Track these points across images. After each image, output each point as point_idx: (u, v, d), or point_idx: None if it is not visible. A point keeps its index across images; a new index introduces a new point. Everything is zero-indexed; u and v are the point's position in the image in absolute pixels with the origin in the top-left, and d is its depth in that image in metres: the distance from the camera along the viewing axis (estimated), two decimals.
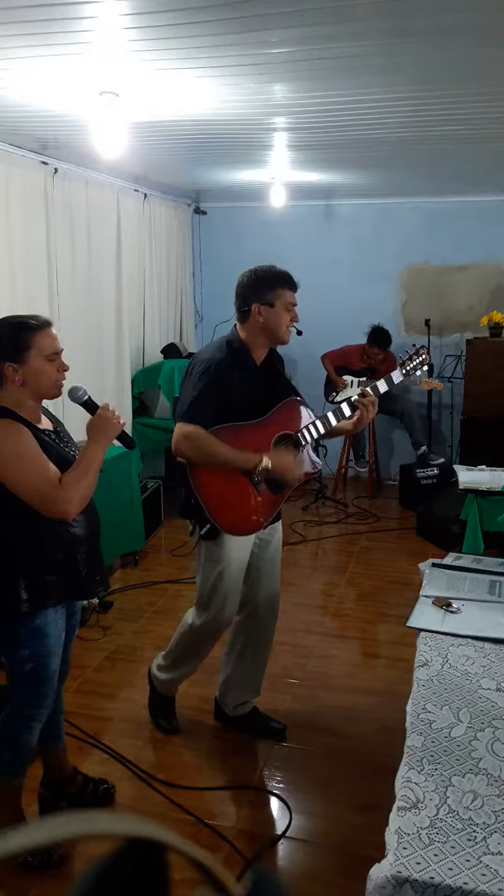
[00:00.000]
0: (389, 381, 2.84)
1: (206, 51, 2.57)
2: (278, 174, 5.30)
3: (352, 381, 6.44)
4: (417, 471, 6.15)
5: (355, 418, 2.76)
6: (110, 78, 2.89)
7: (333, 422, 2.76)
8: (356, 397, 2.75)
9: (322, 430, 2.77)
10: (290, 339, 2.76)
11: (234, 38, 2.47)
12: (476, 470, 4.51)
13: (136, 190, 5.83)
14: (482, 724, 1.85)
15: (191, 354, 6.12)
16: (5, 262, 4.18)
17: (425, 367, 2.90)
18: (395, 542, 5.54)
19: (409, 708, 1.95)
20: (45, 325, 2.21)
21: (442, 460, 6.23)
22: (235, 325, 2.75)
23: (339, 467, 6.70)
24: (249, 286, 2.69)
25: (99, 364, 5.29)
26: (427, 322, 6.46)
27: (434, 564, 2.88)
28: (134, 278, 5.83)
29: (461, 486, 4.25)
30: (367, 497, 6.52)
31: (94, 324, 5.22)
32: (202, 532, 2.73)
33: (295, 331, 2.79)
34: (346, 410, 2.76)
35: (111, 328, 5.42)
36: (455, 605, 2.48)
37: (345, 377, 6.47)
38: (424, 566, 2.88)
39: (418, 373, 2.91)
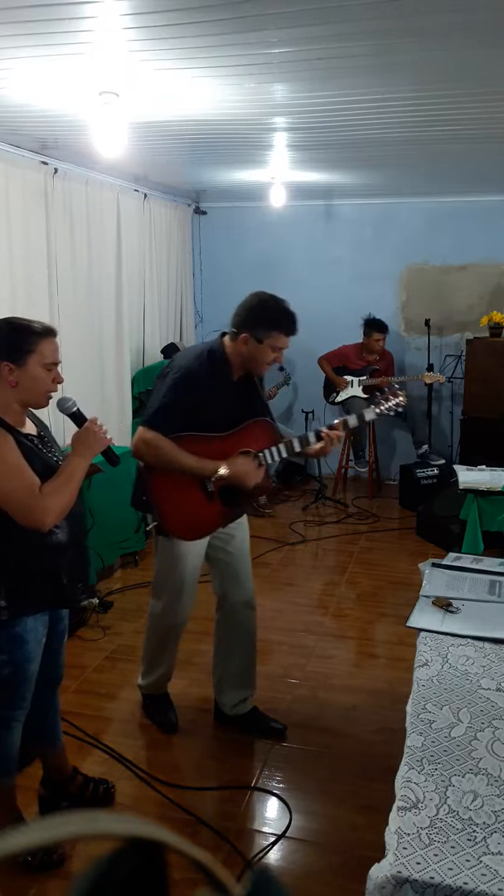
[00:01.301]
0: (361, 419, 2.87)
1: (206, 51, 2.57)
2: (278, 174, 5.30)
3: (352, 381, 6.44)
4: (417, 471, 6.16)
5: (318, 447, 2.79)
6: (110, 78, 2.89)
7: (297, 447, 2.79)
8: (325, 429, 2.78)
9: (284, 454, 2.80)
10: (265, 373, 2.81)
11: (234, 38, 2.46)
12: (476, 470, 4.51)
13: (136, 190, 5.83)
14: (482, 724, 1.85)
15: None
16: (5, 262, 4.18)
17: (400, 410, 2.94)
18: (395, 542, 5.54)
19: (409, 708, 1.95)
20: (50, 332, 2.19)
21: (442, 460, 6.24)
22: (224, 334, 2.75)
23: (339, 467, 6.70)
24: (249, 314, 2.67)
25: (99, 364, 5.29)
26: (427, 322, 6.46)
27: (434, 564, 2.88)
28: (134, 278, 5.83)
29: (461, 486, 4.26)
30: (367, 497, 6.52)
31: (95, 324, 5.22)
32: (151, 526, 2.81)
33: (278, 366, 2.83)
34: (312, 439, 2.79)
35: (111, 328, 5.42)
36: (455, 605, 2.48)
37: (345, 377, 6.47)
38: (424, 566, 2.88)
39: (391, 413, 2.95)
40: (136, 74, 2.83)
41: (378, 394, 3.04)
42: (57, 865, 2.34)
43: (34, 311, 4.40)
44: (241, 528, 3.01)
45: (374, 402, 2.95)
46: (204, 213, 7.14)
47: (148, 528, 2.89)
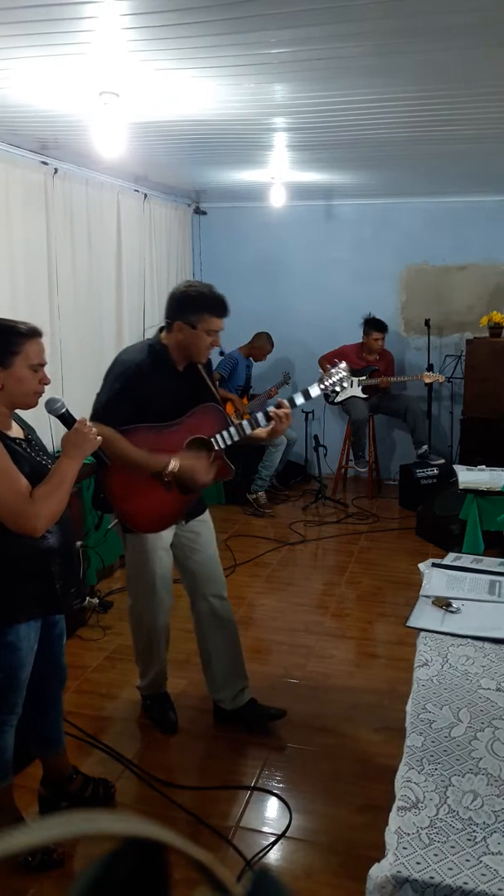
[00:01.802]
0: (307, 395, 2.89)
1: (206, 51, 2.57)
2: (278, 174, 5.30)
3: (351, 381, 6.44)
4: (417, 471, 6.15)
5: (270, 428, 2.83)
6: (110, 78, 2.89)
7: (248, 430, 2.81)
8: (272, 408, 2.80)
9: (236, 437, 2.82)
10: (206, 359, 2.83)
11: (234, 39, 2.46)
12: (476, 470, 4.51)
13: (136, 190, 5.83)
14: (482, 723, 1.85)
15: None
16: (5, 262, 4.18)
17: (345, 384, 3.00)
18: (394, 542, 5.54)
19: (408, 708, 1.95)
20: (35, 333, 2.15)
21: (442, 460, 6.24)
22: (162, 328, 2.80)
23: (339, 467, 6.70)
24: (178, 302, 2.71)
25: (99, 364, 5.27)
26: (427, 322, 6.47)
27: (434, 564, 2.88)
28: (134, 278, 5.83)
29: (461, 486, 4.25)
30: (366, 497, 6.52)
31: (94, 324, 5.22)
32: (113, 524, 2.87)
33: (218, 351, 2.86)
34: (262, 420, 2.81)
35: (111, 328, 5.43)
36: (455, 604, 2.48)
37: None
38: (424, 566, 2.88)
39: (337, 388, 3.00)
40: (136, 74, 2.83)
41: (321, 371, 3.08)
42: (57, 865, 2.34)
43: (34, 312, 4.40)
44: (205, 526, 3.04)
45: (318, 378, 2.99)
46: (204, 213, 7.13)
47: (110, 527, 2.91)
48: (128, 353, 2.80)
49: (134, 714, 3.25)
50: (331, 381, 2.94)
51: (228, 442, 2.81)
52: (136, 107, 3.29)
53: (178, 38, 2.45)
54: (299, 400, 2.87)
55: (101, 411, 2.66)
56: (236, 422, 2.84)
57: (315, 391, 2.90)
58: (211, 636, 3.09)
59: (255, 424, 2.82)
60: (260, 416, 2.81)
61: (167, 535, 2.92)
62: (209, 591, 3.04)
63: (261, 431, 2.86)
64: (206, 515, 3.06)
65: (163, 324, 2.81)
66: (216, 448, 2.80)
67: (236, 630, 3.14)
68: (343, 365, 2.98)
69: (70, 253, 4.86)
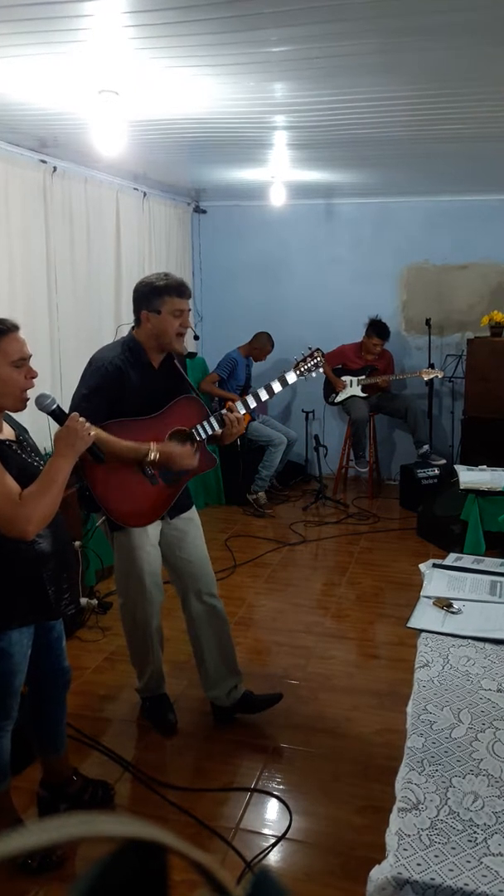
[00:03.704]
0: (283, 382, 2.97)
1: (206, 49, 2.57)
2: (278, 173, 5.30)
3: (351, 381, 6.44)
4: (418, 471, 6.15)
5: (221, 432, 2.87)
6: (109, 76, 2.88)
7: (216, 426, 2.85)
8: (225, 412, 2.85)
9: (217, 428, 2.85)
10: (182, 347, 2.85)
11: (234, 37, 2.46)
12: (477, 470, 4.50)
13: (135, 188, 5.82)
14: (483, 725, 1.84)
15: (190, 354, 6.12)
16: (4, 261, 4.17)
17: (320, 369, 3.08)
18: (395, 543, 5.53)
19: (409, 709, 1.94)
20: (12, 328, 2.06)
21: (443, 460, 6.23)
22: (133, 327, 2.84)
23: (340, 467, 6.69)
24: (139, 294, 2.77)
25: None
26: (428, 321, 6.46)
27: (435, 565, 2.87)
28: (133, 277, 5.79)
29: (462, 487, 4.25)
30: (367, 497, 6.52)
31: (93, 323, 5.22)
32: (100, 522, 2.84)
33: (193, 335, 2.90)
34: (215, 426, 2.86)
35: (110, 327, 5.42)
36: (456, 605, 2.47)
37: (343, 378, 6.47)
38: (425, 567, 2.87)
39: (312, 373, 3.07)
40: (135, 72, 2.83)
41: (296, 358, 3.12)
42: (56, 867, 2.33)
43: (33, 310, 4.41)
44: (192, 524, 3.04)
45: (294, 364, 3.06)
46: (204, 211, 7.13)
47: (98, 525, 2.91)
48: (102, 352, 2.83)
49: (133, 715, 3.24)
50: (306, 367, 3.02)
51: (210, 432, 2.85)
52: (136, 105, 3.28)
53: (177, 36, 2.45)
54: (264, 395, 2.95)
55: (78, 408, 2.64)
56: (216, 412, 2.88)
57: (292, 377, 2.99)
58: (202, 634, 3.09)
59: (220, 424, 2.86)
60: (213, 421, 2.85)
61: (154, 531, 2.92)
62: (198, 589, 3.04)
63: (224, 431, 2.90)
64: (193, 513, 3.07)
65: (132, 323, 2.85)
66: (198, 439, 2.83)
67: (227, 627, 3.14)
68: (319, 351, 3.08)
69: (69, 251, 4.86)
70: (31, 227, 4.42)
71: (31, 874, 2.30)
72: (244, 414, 2.91)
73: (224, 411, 2.84)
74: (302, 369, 3.02)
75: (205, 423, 2.84)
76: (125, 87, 3.00)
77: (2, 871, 2.29)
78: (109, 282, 5.39)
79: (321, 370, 3.09)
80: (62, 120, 3.64)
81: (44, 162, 4.51)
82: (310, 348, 3.13)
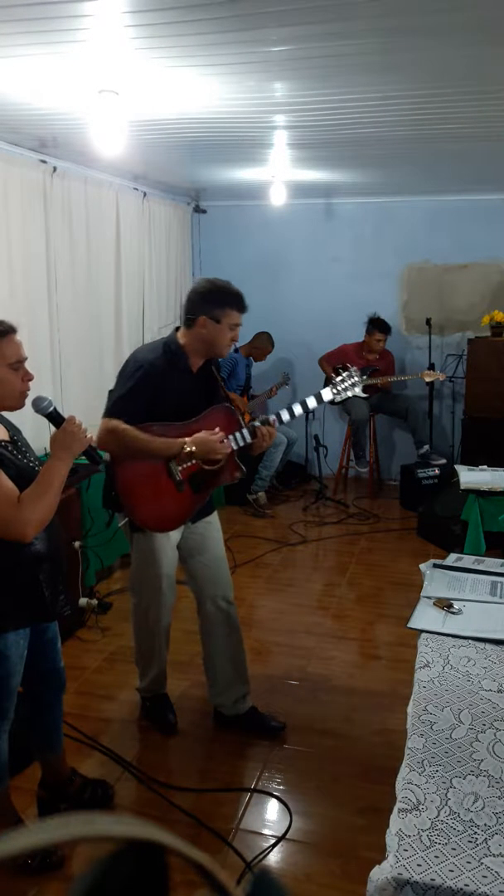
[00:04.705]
0: (319, 399, 2.90)
1: (206, 48, 2.57)
2: (278, 172, 5.30)
3: None
4: (418, 471, 6.14)
5: (252, 443, 2.82)
6: (109, 76, 2.88)
7: (248, 437, 2.81)
8: (258, 424, 2.81)
9: (249, 439, 2.80)
10: (227, 354, 2.85)
11: (234, 36, 2.46)
12: (477, 470, 4.50)
13: (135, 188, 5.82)
14: (483, 725, 1.84)
15: None
16: (4, 261, 4.17)
17: (357, 389, 2.99)
18: (395, 543, 5.53)
19: (409, 709, 1.94)
20: (9, 330, 2.06)
21: (443, 460, 6.23)
22: (178, 328, 2.80)
23: (340, 467, 6.69)
24: (202, 297, 2.73)
25: (98, 362, 5.28)
26: (428, 321, 6.46)
27: (435, 565, 2.87)
28: (133, 277, 5.82)
29: (462, 487, 4.25)
30: (367, 497, 6.51)
31: (94, 323, 5.22)
32: (122, 523, 2.83)
33: (233, 348, 2.89)
34: (248, 437, 2.81)
35: (110, 327, 5.42)
36: (456, 605, 2.47)
37: None
38: (425, 567, 2.87)
39: (348, 392, 2.98)
40: (135, 72, 2.83)
41: (334, 375, 3.08)
42: (56, 867, 2.33)
43: (33, 310, 4.40)
44: (212, 527, 3.03)
45: (332, 382, 2.99)
46: (204, 211, 7.13)
47: (120, 526, 2.90)
48: (142, 352, 2.80)
49: (133, 716, 3.24)
50: (342, 387, 2.94)
51: (241, 444, 2.81)
52: (136, 105, 3.28)
53: (178, 36, 2.44)
54: (298, 411, 2.89)
55: (114, 408, 2.66)
56: (249, 425, 2.84)
57: (328, 394, 2.91)
58: (215, 639, 3.07)
59: (252, 436, 2.83)
60: (245, 432, 2.82)
61: (175, 535, 2.91)
62: (215, 594, 3.02)
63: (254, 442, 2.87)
64: (214, 517, 3.05)
65: (178, 323, 2.80)
66: (229, 448, 2.79)
67: (241, 634, 3.12)
68: (355, 369, 2.98)
69: (69, 251, 4.86)
70: (31, 227, 4.42)
71: (31, 874, 2.30)
72: (245, 414, 2.91)
73: (257, 423, 2.81)
74: (339, 388, 2.94)
75: (237, 434, 2.80)
76: (125, 87, 3.00)
77: (2, 871, 2.29)
78: (109, 282, 5.39)
79: (357, 390, 3.02)
80: (62, 120, 3.64)
81: (44, 162, 4.51)
82: (347, 366, 3.11)
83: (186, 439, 2.65)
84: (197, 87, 3.05)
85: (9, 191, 4.20)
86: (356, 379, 2.97)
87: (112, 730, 3.14)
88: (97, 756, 2.95)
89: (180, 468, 2.71)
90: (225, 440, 2.73)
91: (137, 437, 2.62)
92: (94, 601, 4.15)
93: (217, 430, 2.72)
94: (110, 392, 2.79)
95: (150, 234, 6.13)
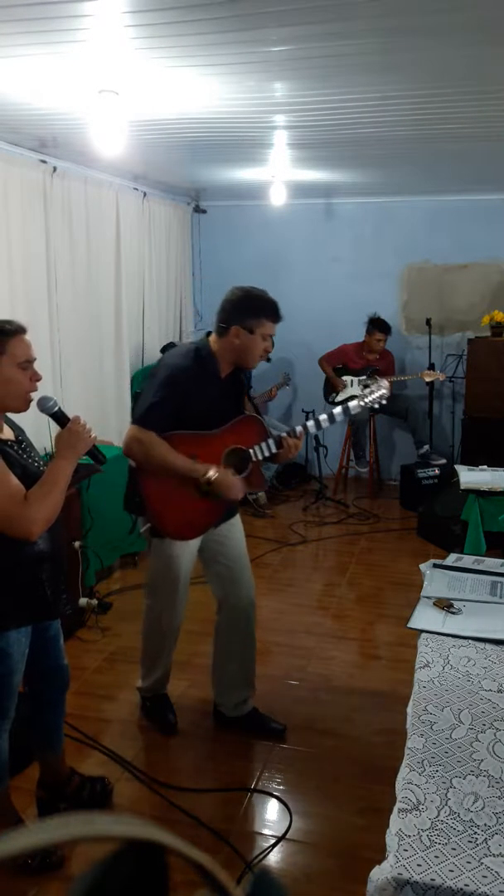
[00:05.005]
0: (346, 410, 2.86)
1: (206, 48, 2.56)
2: (278, 172, 5.29)
3: (351, 381, 6.44)
4: (418, 471, 6.14)
5: (277, 454, 2.81)
6: (110, 76, 2.88)
7: (273, 448, 2.80)
8: (284, 436, 2.79)
9: (274, 450, 2.79)
10: (257, 364, 2.83)
11: (234, 36, 2.46)
12: (477, 470, 4.50)
13: (135, 188, 5.83)
14: (483, 725, 1.84)
15: None
16: (4, 261, 4.17)
17: (384, 401, 2.95)
18: (395, 543, 5.53)
19: (409, 709, 1.94)
20: (19, 330, 2.08)
21: (443, 460, 6.23)
22: (209, 333, 2.77)
23: (340, 467, 6.69)
24: (235, 306, 2.69)
25: (98, 363, 5.28)
26: (428, 321, 6.46)
27: (435, 565, 2.87)
28: (133, 277, 5.82)
29: (462, 487, 4.25)
30: (367, 497, 6.51)
31: (94, 323, 5.21)
32: (144, 528, 2.83)
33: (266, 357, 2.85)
34: (273, 447, 2.80)
35: (110, 327, 5.42)
36: (456, 606, 2.47)
37: (344, 378, 6.46)
38: (425, 567, 2.87)
39: (376, 405, 2.94)
40: (135, 72, 2.83)
41: (363, 387, 3.04)
42: (56, 867, 2.33)
43: (33, 310, 4.40)
44: (235, 528, 3.00)
45: (360, 395, 2.95)
46: (203, 211, 7.13)
47: (142, 531, 2.88)
48: (173, 357, 2.75)
49: (133, 716, 3.24)
50: (371, 398, 2.90)
51: (266, 454, 2.79)
52: (136, 105, 3.28)
53: (178, 36, 2.44)
54: (325, 423, 2.84)
55: (144, 415, 2.63)
56: (274, 435, 2.82)
57: (355, 408, 2.87)
58: (230, 640, 3.06)
59: (278, 446, 2.81)
60: (271, 442, 2.80)
61: (195, 541, 2.88)
62: (238, 596, 3.01)
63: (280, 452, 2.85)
64: (237, 518, 3.02)
65: (210, 328, 2.78)
66: (254, 459, 2.78)
67: (255, 641, 3.11)
68: (384, 382, 2.94)
69: (69, 251, 4.86)
70: (31, 227, 4.42)
71: (31, 874, 2.30)
72: (295, 442, 2.85)
73: (284, 435, 2.79)
74: (366, 399, 2.90)
75: (263, 445, 2.78)
76: (125, 87, 2.99)
77: (2, 871, 2.29)
78: (109, 282, 5.38)
79: (384, 402, 2.97)
80: (62, 120, 3.64)
81: (44, 162, 4.51)
82: (376, 378, 3.06)
83: (211, 471, 2.61)
84: (197, 87, 3.05)
85: (9, 191, 4.20)
86: (384, 392, 2.91)
87: (112, 730, 3.14)
88: (97, 756, 2.94)
89: (202, 482, 2.68)
90: (242, 490, 2.72)
91: (165, 455, 2.59)
92: (94, 601, 4.15)
93: (238, 481, 2.69)
94: (139, 395, 2.75)
95: (150, 234, 6.13)
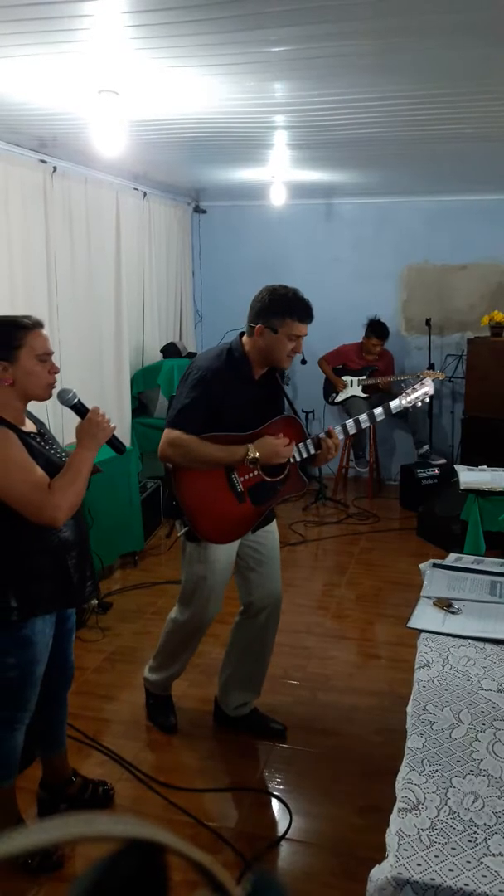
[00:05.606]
0: (387, 410, 2.81)
1: (206, 49, 2.57)
2: (278, 173, 5.30)
3: (351, 381, 6.44)
4: (418, 471, 6.14)
5: (315, 455, 2.77)
6: (109, 76, 2.88)
7: (311, 450, 2.77)
8: (323, 436, 2.75)
9: (312, 451, 2.76)
10: (289, 365, 2.77)
11: (234, 36, 2.46)
12: (477, 470, 4.49)
13: (135, 188, 5.82)
14: (483, 725, 1.84)
15: (191, 354, 6.12)
16: (4, 261, 4.17)
17: (427, 400, 2.89)
18: (395, 543, 5.53)
19: (409, 709, 1.94)
20: (37, 324, 2.17)
21: (443, 460, 6.23)
22: (242, 333, 2.73)
23: (340, 467, 6.69)
24: (261, 305, 2.64)
25: (98, 363, 5.28)
26: (428, 321, 6.46)
27: (435, 565, 2.87)
28: (133, 277, 5.82)
29: (462, 487, 4.24)
30: (367, 497, 6.52)
31: (94, 323, 5.21)
32: (181, 532, 2.79)
33: (300, 359, 2.77)
34: (311, 447, 2.77)
35: (110, 327, 5.41)
36: (456, 605, 2.47)
37: (344, 378, 6.46)
38: (425, 567, 2.87)
39: (418, 404, 2.88)
40: (135, 72, 2.83)
41: (403, 384, 2.99)
42: (56, 867, 2.33)
43: (33, 310, 4.37)
44: (270, 536, 2.96)
45: (404, 392, 2.89)
46: (204, 211, 7.13)
47: (179, 535, 2.85)
48: (205, 359, 2.72)
49: (133, 716, 3.24)
50: (414, 396, 2.85)
51: (304, 455, 2.76)
52: (136, 105, 3.28)
53: (177, 36, 2.44)
54: (365, 424, 2.81)
55: (177, 418, 2.61)
56: (314, 437, 2.78)
57: (397, 405, 2.82)
58: (247, 644, 3.03)
59: (317, 448, 2.77)
60: (309, 443, 2.77)
61: (232, 547, 2.84)
62: (266, 605, 2.98)
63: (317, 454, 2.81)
64: (273, 525, 2.98)
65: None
66: (293, 461, 2.74)
67: (271, 652, 3.10)
68: (428, 381, 2.87)
69: (69, 251, 4.86)
70: (31, 227, 4.42)
71: (31, 874, 2.30)
72: (334, 441, 2.80)
73: (322, 435, 2.75)
74: (409, 397, 2.85)
75: (301, 446, 2.75)
76: (125, 87, 3.00)
77: (2, 871, 2.29)
78: (109, 281, 5.38)
79: (427, 401, 2.92)
80: (62, 120, 3.64)
81: (44, 162, 4.51)
82: (419, 375, 2.99)
83: (250, 445, 2.59)
84: (197, 87, 3.05)
85: (9, 191, 4.20)
86: (428, 389, 2.85)
87: (112, 730, 3.14)
88: (98, 756, 2.95)
89: (241, 479, 2.67)
90: (289, 444, 2.66)
91: (202, 449, 2.57)
92: (95, 601, 4.15)
93: (280, 435, 2.66)
94: (172, 399, 2.72)
95: (150, 233, 6.13)
